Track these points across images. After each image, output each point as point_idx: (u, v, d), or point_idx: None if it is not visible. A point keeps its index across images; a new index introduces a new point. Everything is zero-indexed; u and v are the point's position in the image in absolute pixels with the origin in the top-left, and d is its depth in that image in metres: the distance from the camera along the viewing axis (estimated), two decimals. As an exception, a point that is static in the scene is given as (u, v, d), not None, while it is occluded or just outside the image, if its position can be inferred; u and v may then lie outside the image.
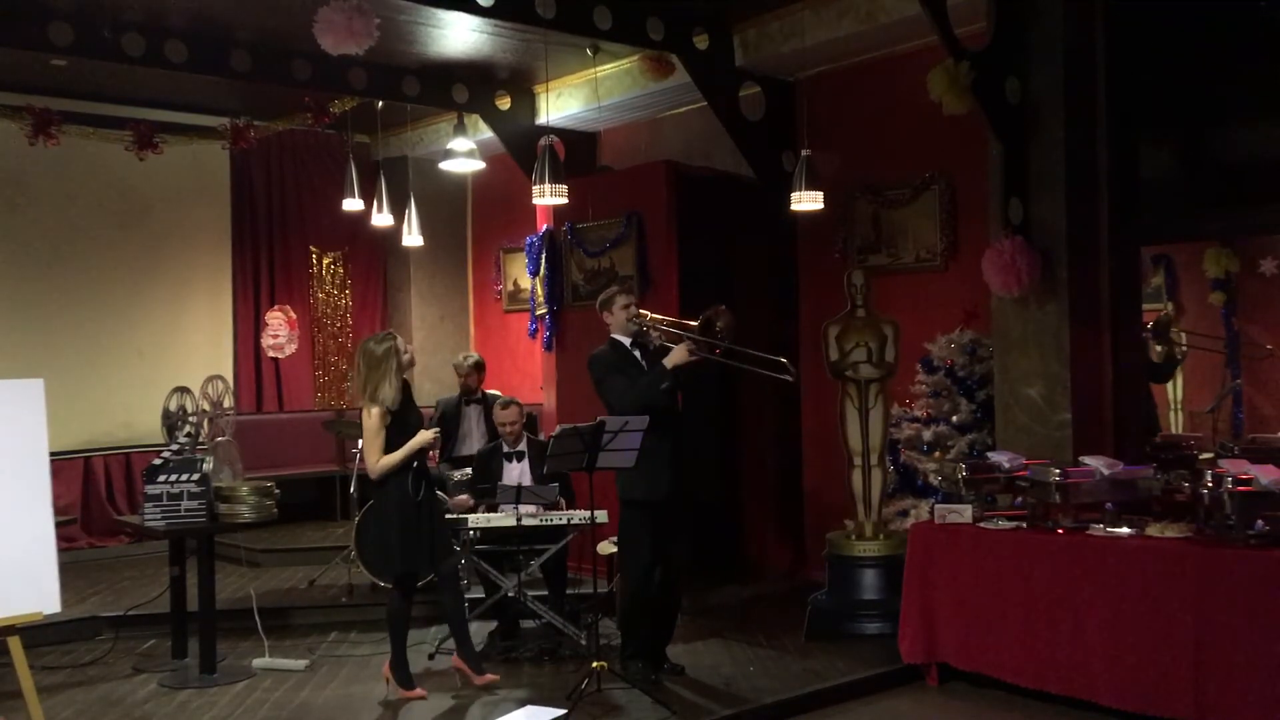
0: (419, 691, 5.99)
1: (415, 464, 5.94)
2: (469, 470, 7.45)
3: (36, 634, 6.59)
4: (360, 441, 8.27)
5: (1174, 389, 8.30)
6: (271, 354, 11.57)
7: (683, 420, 6.20)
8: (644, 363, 6.08)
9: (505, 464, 7.19)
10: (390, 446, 5.86)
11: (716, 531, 8.68)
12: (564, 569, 7.15)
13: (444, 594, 6.10)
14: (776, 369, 5.87)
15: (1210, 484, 5.24)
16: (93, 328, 10.54)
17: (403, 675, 6.01)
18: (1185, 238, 7.66)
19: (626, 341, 6.14)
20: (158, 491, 6.39)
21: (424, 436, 5.90)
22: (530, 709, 5.45)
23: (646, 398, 5.88)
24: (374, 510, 6.09)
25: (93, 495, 10.44)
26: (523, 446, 7.24)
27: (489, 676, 6.07)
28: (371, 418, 5.85)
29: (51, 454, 5.63)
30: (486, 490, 7.04)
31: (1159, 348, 8.01)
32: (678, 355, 5.91)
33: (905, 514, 7.25)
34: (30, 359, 9.55)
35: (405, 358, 5.94)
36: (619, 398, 5.94)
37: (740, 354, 5.98)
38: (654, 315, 6.24)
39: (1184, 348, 8.11)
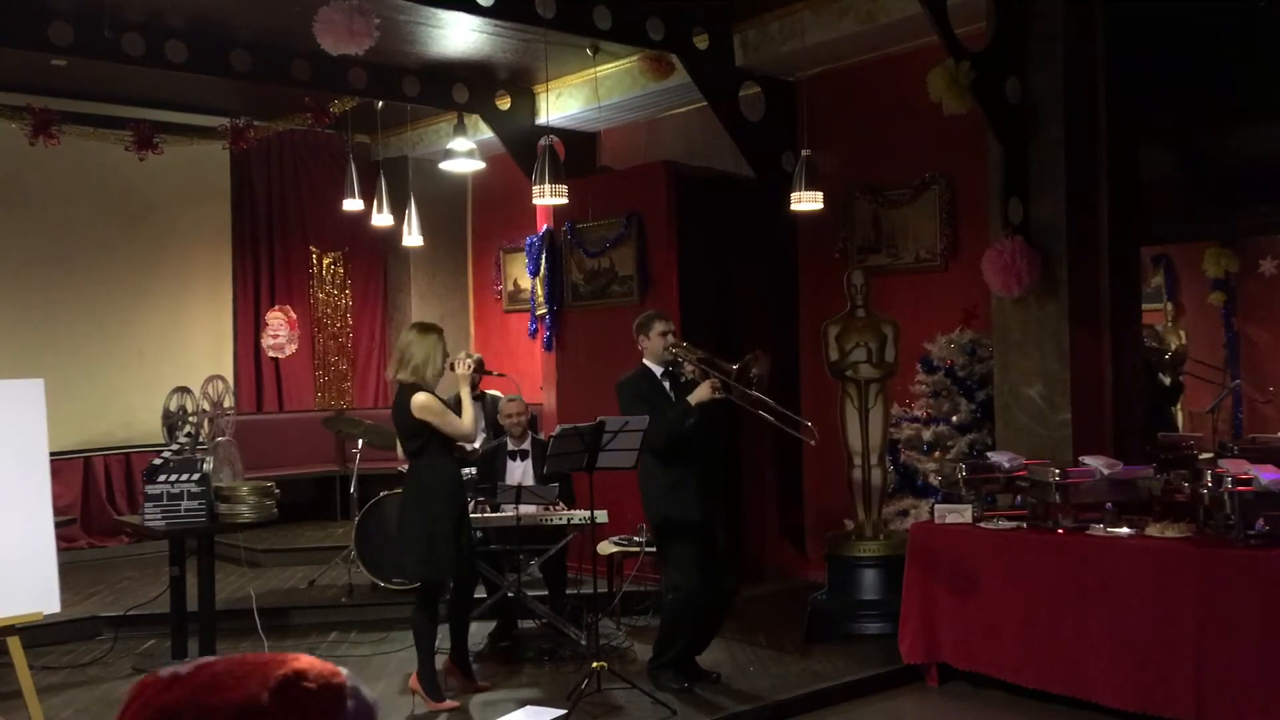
0: (450, 703, 5.82)
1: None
2: (472, 470, 7.45)
3: (36, 634, 6.58)
4: (360, 443, 8.38)
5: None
6: (272, 354, 11.57)
7: (714, 447, 6.00)
8: (672, 394, 5.92)
9: (509, 462, 7.19)
10: (439, 444, 5.77)
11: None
12: (564, 569, 7.16)
13: (456, 596, 6.04)
14: (799, 429, 5.78)
15: (1210, 484, 5.25)
16: (93, 328, 10.54)
17: (432, 685, 5.82)
18: (1185, 238, 7.67)
19: (658, 370, 5.98)
20: (158, 491, 6.39)
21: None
22: (530, 709, 5.45)
23: (671, 434, 5.75)
24: (418, 504, 5.77)
25: (93, 495, 10.43)
26: (526, 445, 7.24)
27: (448, 704, 5.83)
28: (433, 400, 5.72)
29: (51, 454, 5.64)
30: (488, 490, 7.04)
31: (1169, 377, 8.01)
32: (702, 393, 5.73)
33: (905, 514, 7.25)
34: (30, 359, 9.54)
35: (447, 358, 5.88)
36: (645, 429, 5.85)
37: (767, 405, 5.79)
38: (690, 347, 6.01)
39: (1183, 364, 8.11)
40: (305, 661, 1.37)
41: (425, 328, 5.92)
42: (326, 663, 1.40)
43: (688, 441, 5.82)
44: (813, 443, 5.87)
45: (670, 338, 5.96)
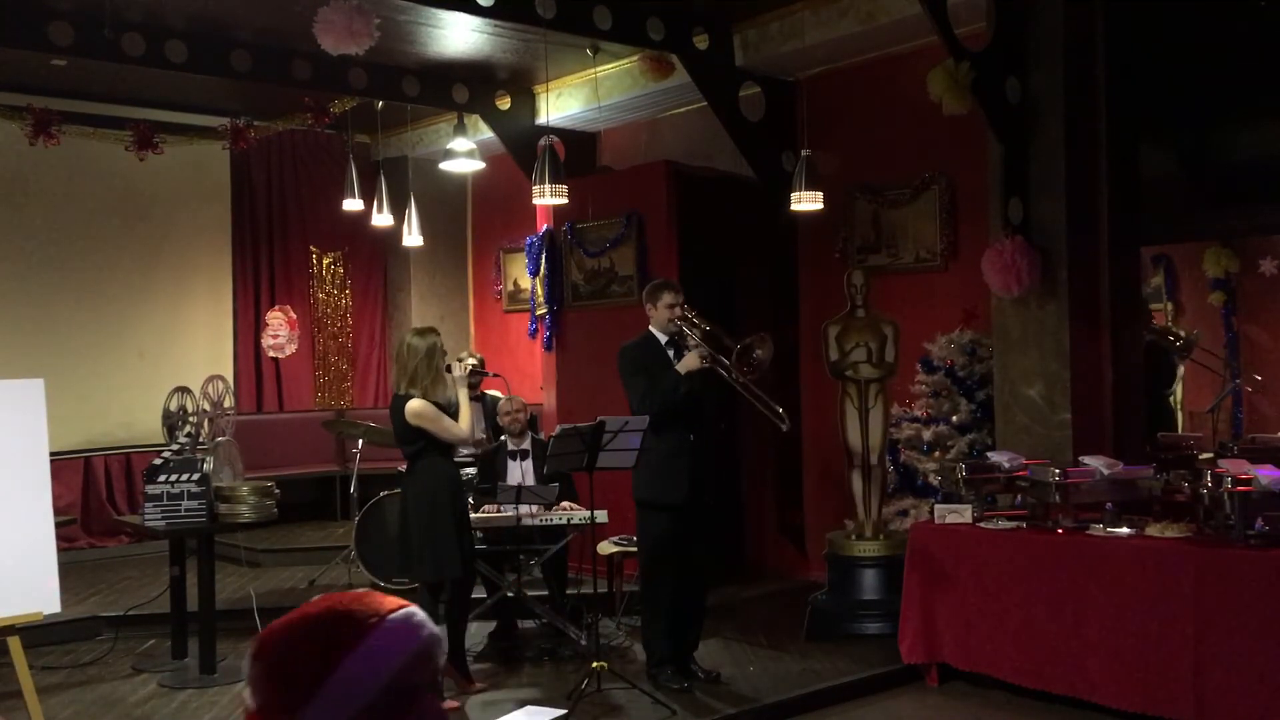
0: (450, 703, 5.84)
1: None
2: (469, 470, 7.45)
3: (36, 634, 6.58)
4: (360, 443, 8.38)
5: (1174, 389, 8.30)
6: (272, 354, 11.57)
7: (707, 426, 6.04)
8: (675, 362, 5.99)
9: (509, 462, 7.19)
10: (437, 446, 5.81)
11: (717, 532, 8.68)
12: (564, 569, 7.16)
13: (455, 596, 6.04)
14: (776, 416, 5.89)
15: (1210, 484, 5.24)
16: (93, 328, 10.54)
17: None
18: (1185, 238, 7.66)
19: (662, 338, 6.03)
20: (158, 491, 6.39)
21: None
22: (530, 709, 5.45)
23: (663, 402, 5.83)
24: (419, 506, 5.80)
25: (93, 495, 10.43)
26: (526, 445, 7.23)
27: (449, 704, 5.88)
28: (427, 406, 5.75)
29: (51, 454, 5.64)
30: (489, 490, 7.04)
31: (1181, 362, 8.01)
32: (689, 362, 5.84)
33: (905, 514, 7.25)
34: (30, 359, 9.54)
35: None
36: (639, 400, 5.91)
37: (750, 389, 5.88)
38: (696, 321, 6.02)
39: (1184, 342, 8.10)
40: (350, 597, 1.47)
41: (421, 333, 5.96)
42: (383, 600, 1.47)
43: (682, 420, 5.87)
44: (784, 427, 5.96)
45: (678, 310, 5.97)
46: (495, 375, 7.53)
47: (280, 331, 11.55)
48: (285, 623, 1.45)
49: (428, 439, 5.78)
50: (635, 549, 6.96)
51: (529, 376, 10.67)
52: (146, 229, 10.86)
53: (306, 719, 1.39)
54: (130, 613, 7.61)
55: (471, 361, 6.64)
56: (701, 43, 8.03)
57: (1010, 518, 6.00)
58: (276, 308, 11.60)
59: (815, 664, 6.40)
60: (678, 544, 5.95)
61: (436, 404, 5.80)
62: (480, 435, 7.93)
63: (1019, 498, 6.10)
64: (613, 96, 9.19)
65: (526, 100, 9.69)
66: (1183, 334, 8.04)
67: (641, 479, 5.97)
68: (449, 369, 5.93)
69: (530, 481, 6.96)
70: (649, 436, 5.83)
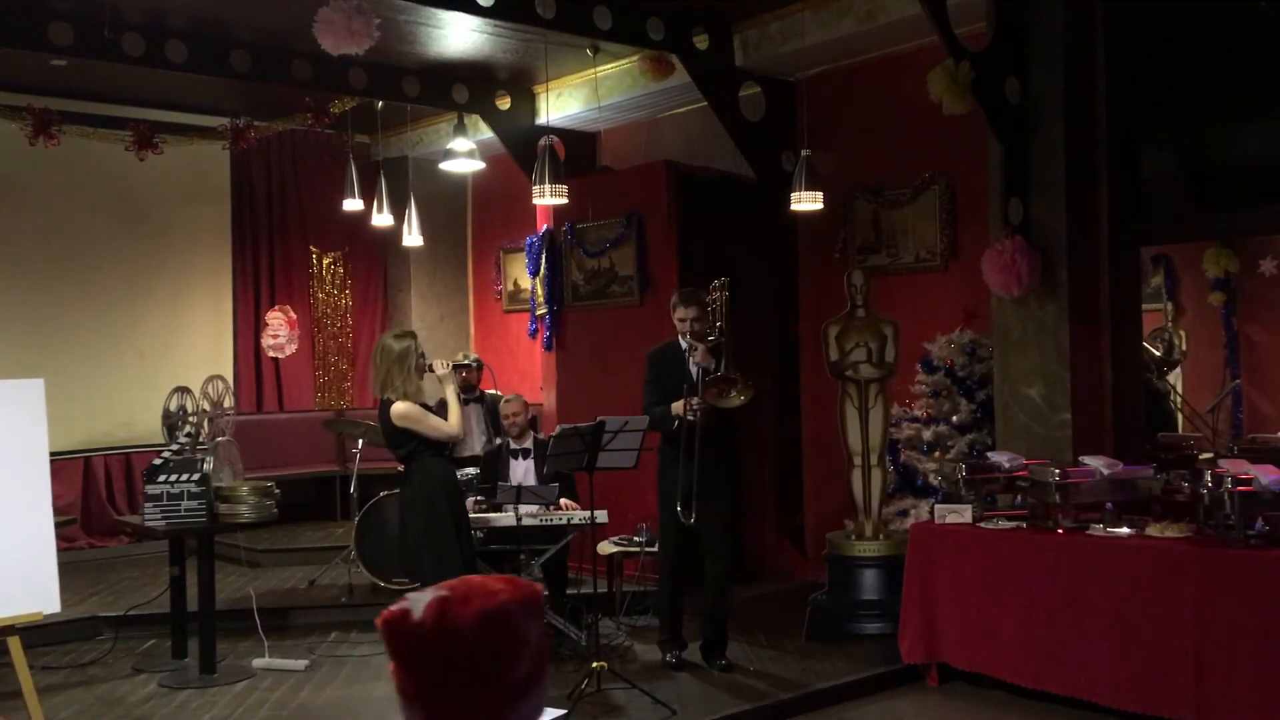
0: None
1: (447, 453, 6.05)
2: (469, 470, 7.45)
3: (36, 634, 6.59)
4: (360, 443, 8.37)
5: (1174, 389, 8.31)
6: (271, 354, 11.57)
7: (712, 435, 6.13)
8: (694, 372, 6.19)
9: (511, 461, 7.18)
10: (428, 447, 5.85)
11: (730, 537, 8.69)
12: (564, 569, 7.16)
13: None
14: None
15: (1210, 484, 5.24)
16: (93, 328, 10.53)
17: None
18: (1185, 238, 7.66)
19: (684, 344, 6.27)
20: (158, 491, 6.39)
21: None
22: (530, 709, 5.45)
23: (654, 428, 6.20)
24: (415, 507, 5.85)
25: (93, 495, 10.43)
26: (529, 444, 7.23)
27: None
28: (411, 407, 5.78)
29: (51, 454, 5.65)
30: (490, 490, 7.03)
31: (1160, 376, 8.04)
32: (677, 408, 6.11)
33: (905, 514, 7.24)
34: (30, 359, 9.54)
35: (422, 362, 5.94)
36: (643, 409, 6.26)
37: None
38: (703, 336, 6.16)
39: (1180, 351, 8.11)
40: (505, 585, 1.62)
41: (397, 336, 5.99)
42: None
43: (688, 431, 6.07)
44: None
45: (687, 325, 6.23)
46: (483, 365, 7.52)
47: (280, 331, 11.55)
48: (496, 611, 1.55)
49: (418, 440, 5.81)
50: (635, 549, 7.02)
51: (529, 376, 10.68)
52: (146, 229, 10.85)
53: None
54: (130, 613, 7.61)
55: (456, 360, 6.67)
56: (701, 43, 8.02)
57: (1010, 518, 6.00)
58: (276, 308, 11.59)
59: (815, 664, 6.40)
60: (680, 544, 6.21)
61: (423, 405, 5.83)
62: (483, 436, 7.94)
63: (1019, 498, 6.10)
64: (613, 96, 9.19)
65: (526, 100, 9.68)
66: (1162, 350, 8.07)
67: (658, 481, 6.32)
68: (430, 368, 5.94)
69: (531, 481, 6.96)
70: (662, 442, 6.22)
